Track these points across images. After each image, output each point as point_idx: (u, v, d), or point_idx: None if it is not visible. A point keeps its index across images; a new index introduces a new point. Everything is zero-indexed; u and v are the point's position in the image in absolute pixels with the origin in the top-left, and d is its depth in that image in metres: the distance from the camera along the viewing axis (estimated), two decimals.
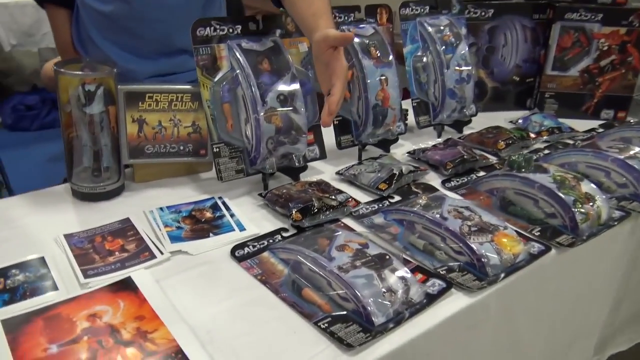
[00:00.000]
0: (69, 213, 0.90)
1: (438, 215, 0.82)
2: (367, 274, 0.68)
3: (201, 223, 0.86)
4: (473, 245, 0.76)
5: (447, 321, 0.68)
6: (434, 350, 0.69)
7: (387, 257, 0.72)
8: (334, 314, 0.66)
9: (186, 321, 0.65)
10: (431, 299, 0.69)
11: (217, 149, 0.93)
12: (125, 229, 0.83)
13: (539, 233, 0.86)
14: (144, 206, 0.91)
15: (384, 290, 0.67)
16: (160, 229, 0.83)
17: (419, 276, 0.73)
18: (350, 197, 0.93)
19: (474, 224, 0.80)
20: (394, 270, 0.70)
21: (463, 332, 0.72)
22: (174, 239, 0.81)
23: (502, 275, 0.74)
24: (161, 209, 0.89)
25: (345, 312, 0.66)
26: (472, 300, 0.71)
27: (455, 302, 0.70)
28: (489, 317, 0.74)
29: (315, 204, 0.86)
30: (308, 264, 0.72)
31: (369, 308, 0.64)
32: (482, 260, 0.75)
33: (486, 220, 0.81)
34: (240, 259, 0.77)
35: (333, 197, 0.91)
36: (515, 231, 0.82)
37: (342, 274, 0.68)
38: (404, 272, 0.70)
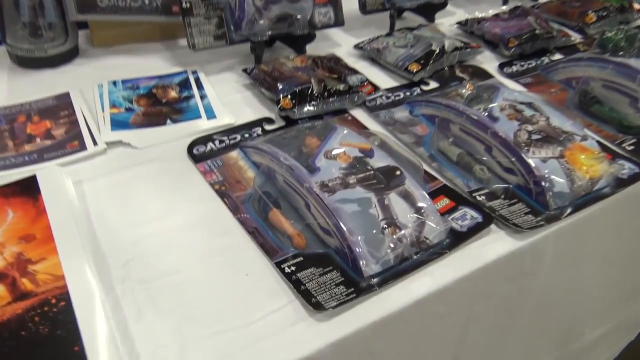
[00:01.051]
0: (0, 82, 0.70)
1: (485, 113, 0.56)
2: (363, 197, 0.46)
3: (160, 105, 0.64)
4: (531, 161, 0.51)
5: (478, 273, 0.46)
6: (454, 311, 0.48)
7: (398, 172, 0.48)
8: (308, 252, 0.45)
9: (99, 246, 0.46)
10: (458, 239, 0.47)
11: (187, 4, 0.68)
12: (59, 106, 0.63)
13: (633, 147, 0.59)
14: (98, 78, 0.69)
15: (384, 223, 0.44)
16: (103, 110, 0.63)
17: (445, 202, 0.50)
18: (367, 80, 0.68)
19: (537, 130, 0.54)
20: (404, 194, 0.47)
21: (498, 286, 0.50)
22: (117, 124, 0.60)
23: (570, 209, 0.50)
24: (114, 82, 0.68)
25: (324, 251, 0.45)
26: (519, 244, 0.48)
27: (492, 246, 0.47)
28: (541, 266, 0.52)
29: (314, 87, 0.62)
30: (282, 174, 0.50)
31: (357, 249, 0.43)
32: (543, 184, 0.50)
33: (556, 125, 0.55)
34: (197, 159, 0.56)
35: (342, 78, 0.66)
36: (598, 142, 0.56)
37: (325, 195, 0.45)
38: (419, 196, 0.47)
